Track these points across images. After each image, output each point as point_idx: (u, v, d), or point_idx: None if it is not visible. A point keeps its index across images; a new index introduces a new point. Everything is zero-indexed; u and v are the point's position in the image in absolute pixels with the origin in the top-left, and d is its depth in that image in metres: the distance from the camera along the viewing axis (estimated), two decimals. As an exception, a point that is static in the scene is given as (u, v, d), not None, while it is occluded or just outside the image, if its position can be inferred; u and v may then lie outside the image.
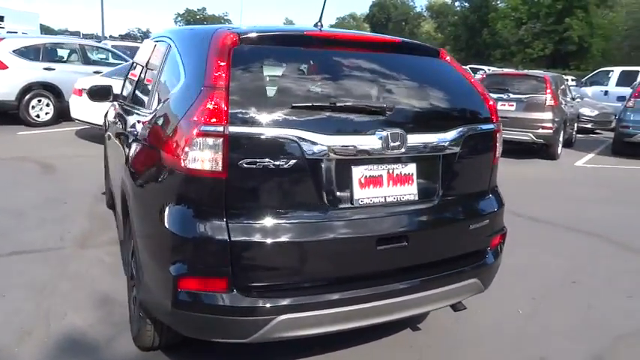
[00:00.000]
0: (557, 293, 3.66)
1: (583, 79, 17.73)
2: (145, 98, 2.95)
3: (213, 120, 1.93)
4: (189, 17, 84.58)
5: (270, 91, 2.06)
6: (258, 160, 1.96)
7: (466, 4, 49.90)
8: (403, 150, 2.16)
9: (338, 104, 2.10)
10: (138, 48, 15.48)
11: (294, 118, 2.02)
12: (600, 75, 16.64)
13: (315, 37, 2.29)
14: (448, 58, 2.61)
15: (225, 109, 1.94)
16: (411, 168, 2.26)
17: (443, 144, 2.31)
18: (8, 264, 3.70)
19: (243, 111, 1.97)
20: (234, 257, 1.95)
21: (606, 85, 15.66)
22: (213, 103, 1.94)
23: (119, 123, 3.48)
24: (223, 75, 1.99)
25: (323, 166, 2.07)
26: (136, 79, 3.38)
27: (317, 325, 2.08)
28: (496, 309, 3.31)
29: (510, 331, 3.11)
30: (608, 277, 4.04)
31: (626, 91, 13.34)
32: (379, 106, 2.17)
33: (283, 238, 2.00)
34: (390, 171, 2.21)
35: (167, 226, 2.03)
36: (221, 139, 1.93)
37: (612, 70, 16.15)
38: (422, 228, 2.28)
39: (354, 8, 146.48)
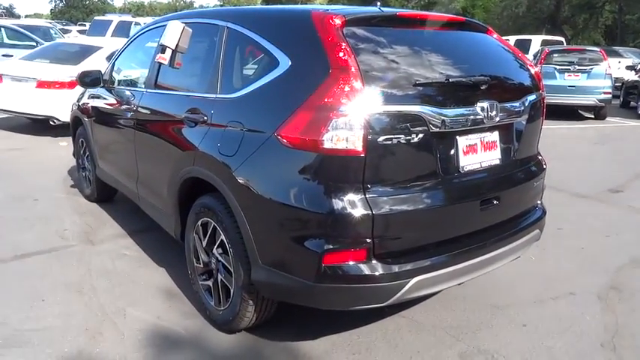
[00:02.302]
0: (552, 240, 4.17)
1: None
2: (200, 83, 2.87)
3: (350, 101, 2.01)
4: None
5: (390, 70, 2.16)
6: (390, 136, 2.08)
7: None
8: (497, 119, 2.40)
9: (450, 80, 2.28)
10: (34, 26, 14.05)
11: (416, 94, 2.17)
12: (498, 44, 18.14)
13: (408, 18, 2.43)
14: (495, 35, 2.87)
15: (361, 88, 2.02)
16: (495, 135, 2.51)
17: (517, 112, 2.58)
18: (19, 268, 3.42)
19: (374, 90, 2.06)
20: (374, 228, 2.08)
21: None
22: (348, 84, 2.02)
23: (141, 109, 3.34)
24: (349, 57, 2.06)
25: (439, 138, 2.24)
26: (158, 62, 3.22)
27: (443, 282, 2.29)
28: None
29: (533, 273, 3.53)
30: (580, 221, 4.68)
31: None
32: (480, 80, 2.37)
33: (412, 207, 2.16)
34: (482, 139, 2.44)
35: (304, 206, 2.09)
36: (361, 119, 2.02)
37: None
38: (507, 187, 2.55)
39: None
